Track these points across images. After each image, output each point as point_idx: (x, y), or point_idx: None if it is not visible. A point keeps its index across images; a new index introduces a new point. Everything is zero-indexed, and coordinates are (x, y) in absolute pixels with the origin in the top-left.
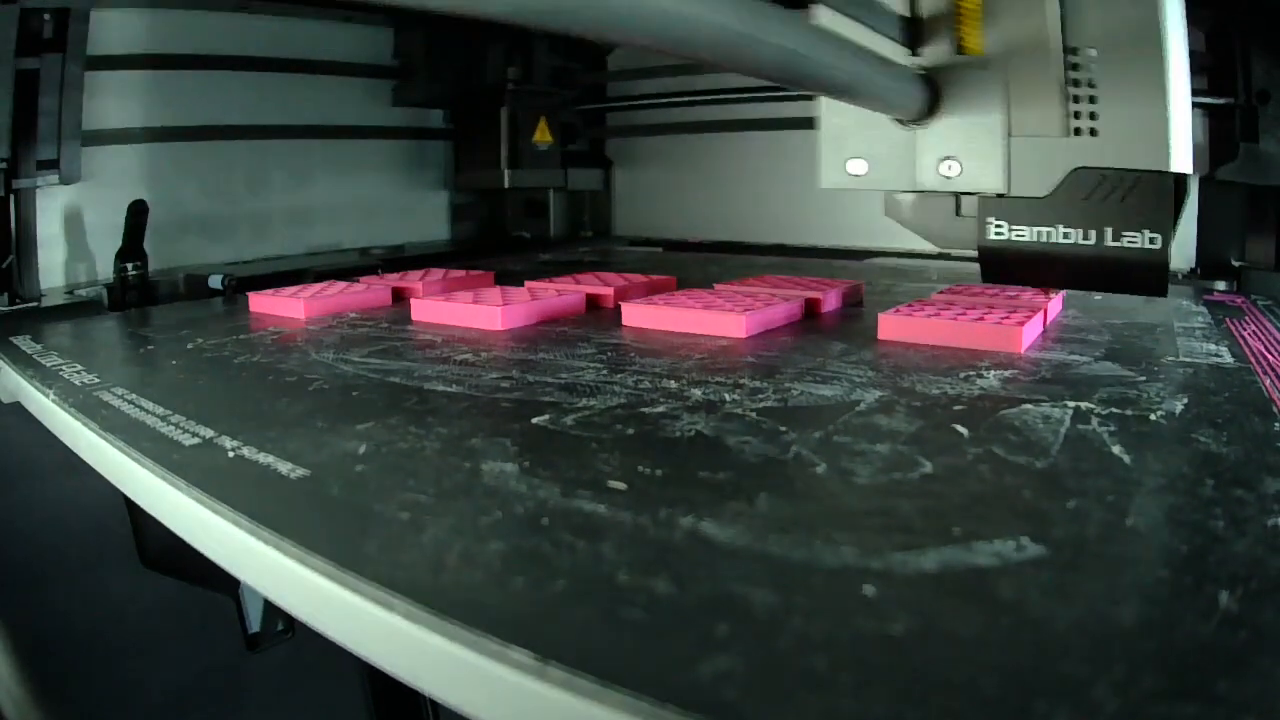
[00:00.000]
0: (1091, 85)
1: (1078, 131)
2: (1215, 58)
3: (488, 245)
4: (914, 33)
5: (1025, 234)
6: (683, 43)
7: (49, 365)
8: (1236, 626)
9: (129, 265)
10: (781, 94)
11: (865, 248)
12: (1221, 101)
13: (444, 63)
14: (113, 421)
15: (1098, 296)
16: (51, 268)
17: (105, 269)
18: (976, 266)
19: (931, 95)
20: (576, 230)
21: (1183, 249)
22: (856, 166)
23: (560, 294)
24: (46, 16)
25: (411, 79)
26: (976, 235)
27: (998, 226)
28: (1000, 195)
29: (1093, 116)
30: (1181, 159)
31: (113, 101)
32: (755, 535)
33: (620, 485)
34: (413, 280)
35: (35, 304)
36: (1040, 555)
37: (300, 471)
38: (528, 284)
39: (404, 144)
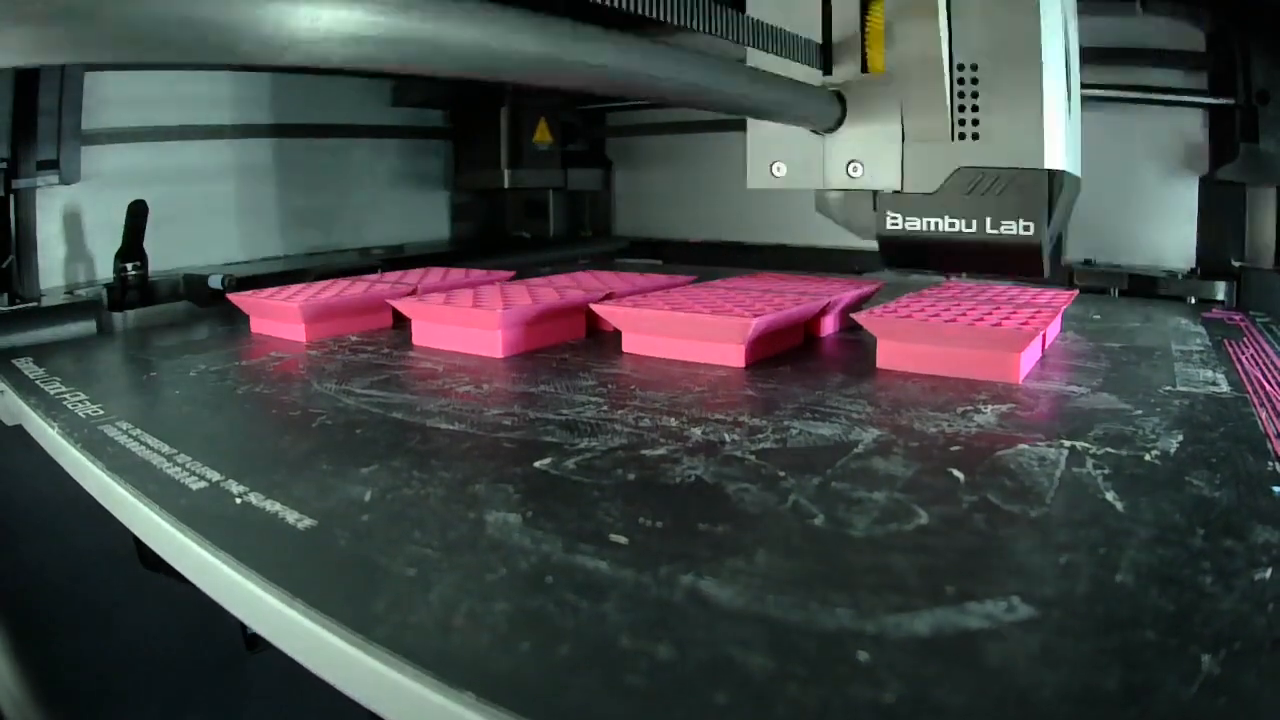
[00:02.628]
0: (975, 95)
1: (962, 136)
2: (1215, 58)
3: (488, 245)
4: (826, 57)
5: (917, 224)
6: (648, 90)
7: (52, 393)
8: (1217, 692)
9: (129, 265)
10: None
11: (866, 248)
12: (1221, 101)
13: None
14: (119, 461)
15: (1096, 315)
16: (51, 268)
17: (105, 269)
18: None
19: (841, 109)
20: (576, 230)
21: (1182, 249)
22: (779, 169)
23: (561, 295)
24: None
25: (412, 79)
26: (877, 227)
27: (893, 218)
28: (896, 191)
29: (975, 123)
30: (1052, 157)
31: (113, 101)
32: (754, 595)
33: (621, 539)
34: (412, 280)
35: (35, 304)
36: (1030, 616)
37: (307, 522)
38: (528, 286)
39: (404, 144)
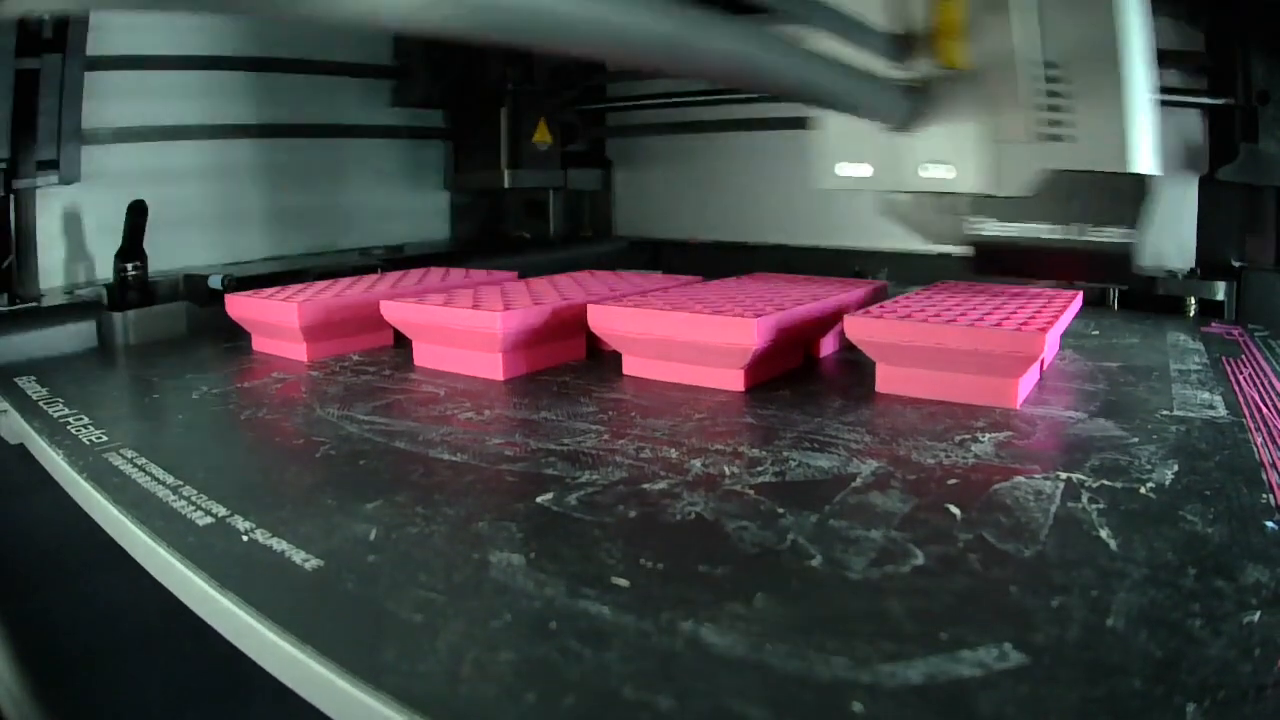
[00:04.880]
0: (1063, 95)
1: (1054, 138)
2: (1215, 58)
3: (488, 245)
4: (902, 49)
5: (1009, 229)
6: (689, 65)
7: (55, 416)
8: None
9: (129, 265)
10: None
11: (865, 248)
12: (1221, 101)
13: (444, 63)
14: (125, 494)
15: (1095, 330)
16: (51, 268)
17: (105, 269)
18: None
19: (919, 105)
20: (576, 230)
21: (1183, 249)
22: (850, 169)
23: (565, 298)
24: (46, 17)
25: (411, 79)
26: (964, 232)
27: (983, 223)
28: (988, 195)
29: (1066, 124)
30: (1140, 161)
31: (113, 101)
32: (752, 643)
33: (623, 582)
34: (412, 280)
35: (35, 304)
36: (1020, 664)
37: (314, 562)
38: (530, 292)
39: (404, 144)
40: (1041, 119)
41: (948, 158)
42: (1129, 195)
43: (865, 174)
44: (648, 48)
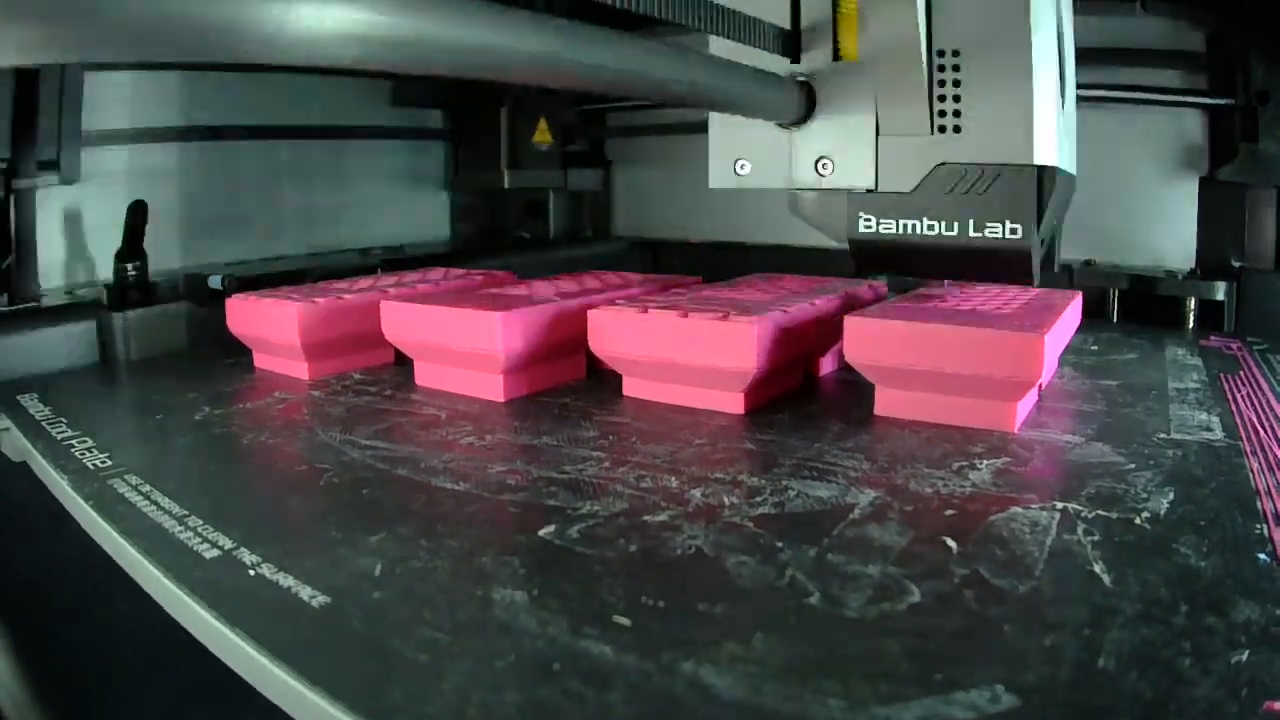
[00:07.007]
0: (956, 85)
1: (943, 129)
2: (1215, 58)
3: (488, 245)
4: (794, 44)
5: (892, 227)
6: (575, 78)
7: (59, 437)
8: None
9: (129, 265)
10: None
11: None
12: (1221, 101)
13: None
14: (131, 524)
15: (1094, 345)
16: (51, 268)
17: (105, 269)
18: None
19: (808, 100)
20: (577, 230)
21: (1182, 249)
22: (743, 167)
23: (568, 298)
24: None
25: (411, 79)
26: (849, 230)
27: (866, 220)
28: (870, 190)
29: (957, 114)
30: (1043, 151)
31: (113, 101)
32: (751, 684)
33: (625, 621)
34: (412, 280)
35: (35, 304)
36: (1012, 707)
37: (321, 599)
38: (531, 289)
39: (404, 144)
40: (936, 109)
41: (833, 153)
42: (1022, 189)
43: (756, 172)
44: (531, 67)
